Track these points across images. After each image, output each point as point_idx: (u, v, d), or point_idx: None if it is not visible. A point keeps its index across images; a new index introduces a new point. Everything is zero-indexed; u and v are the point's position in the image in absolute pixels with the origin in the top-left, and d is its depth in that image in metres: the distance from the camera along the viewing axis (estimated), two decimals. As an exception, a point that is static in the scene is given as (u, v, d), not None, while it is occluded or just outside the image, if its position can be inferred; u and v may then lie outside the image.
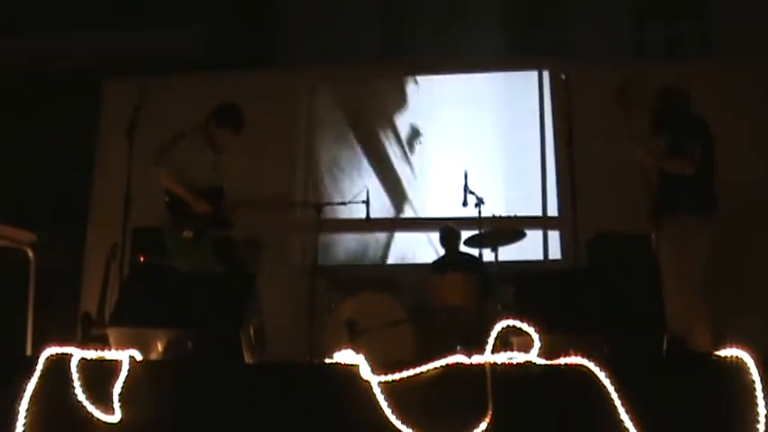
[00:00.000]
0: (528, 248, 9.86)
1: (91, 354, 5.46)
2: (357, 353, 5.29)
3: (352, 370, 5.22)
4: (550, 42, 11.96)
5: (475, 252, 9.55)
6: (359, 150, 11.02)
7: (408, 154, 11.15)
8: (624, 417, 4.97)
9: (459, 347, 7.33)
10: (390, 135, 11.26)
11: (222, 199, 8.08)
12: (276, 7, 12.62)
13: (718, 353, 5.27)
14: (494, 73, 11.55)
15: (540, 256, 10.64)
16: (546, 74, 11.21)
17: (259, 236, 8.64)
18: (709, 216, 7.33)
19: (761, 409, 4.93)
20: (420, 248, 10.46)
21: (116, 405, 5.23)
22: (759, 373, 5.03)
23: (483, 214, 9.23)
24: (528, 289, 6.20)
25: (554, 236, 10.70)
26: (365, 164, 10.91)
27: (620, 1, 11.87)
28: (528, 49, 11.90)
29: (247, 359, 6.00)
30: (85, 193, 11.34)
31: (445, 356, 5.21)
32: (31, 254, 7.32)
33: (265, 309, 7.94)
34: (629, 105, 7.60)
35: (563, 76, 7.64)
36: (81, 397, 5.27)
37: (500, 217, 9.64)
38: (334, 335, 8.40)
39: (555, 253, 10.60)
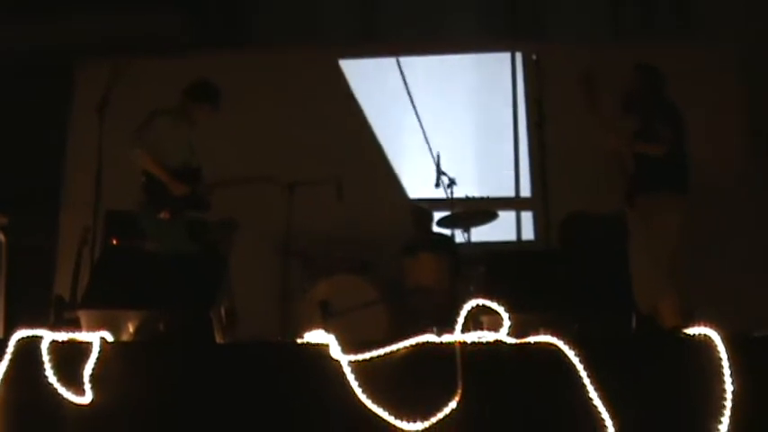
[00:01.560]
0: (501, 229, 9.89)
1: (62, 336, 5.46)
2: (328, 333, 5.31)
3: (322, 349, 5.25)
4: (525, 24, 11.96)
5: (447, 233, 9.56)
6: (334, 131, 11.00)
7: (382, 134, 11.15)
8: (593, 394, 5.01)
9: (432, 328, 7.35)
10: (366, 115, 11.26)
11: (199, 180, 8.05)
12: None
13: (686, 331, 5.31)
14: (467, 54, 11.53)
15: (514, 237, 10.66)
16: (519, 55, 11.21)
17: (233, 217, 8.61)
18: (682, 195, 7.36)
19: (727, 386, 4.99)
20: (394, 229, 10.45)
21: (87, 387, 5.23)
22: (726, 350, 5.08)
23: (456, 195, 9.24)
24: (498, 269, 6.27)
25: (527, 217, 10.73)
26: (339, 144, 10.89)
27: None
28: (502, 31, 11.90)
29: (218, 339, 6.02)
30: (59, 175, 11.28)
31: (416, 336, 5.24)
32: (2, 237, 7.30)
33: (239, 290, 7.98)
34: (596, 92, 7.62)
35: (534, 57, 7.65)
36: (52, 379, 5.26)
37: (473, 198, 9.65)
38: (307, 316, 8.39)
39: (528, 234, 10.63)
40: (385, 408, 5.02)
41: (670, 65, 9.83)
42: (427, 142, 10.68)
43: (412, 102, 11.19)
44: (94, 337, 5.42)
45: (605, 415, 4.98)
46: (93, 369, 5.29)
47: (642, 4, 11.94)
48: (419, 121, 11.08)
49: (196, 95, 8.00)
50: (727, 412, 4.95)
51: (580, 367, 5.07)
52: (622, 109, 7.65)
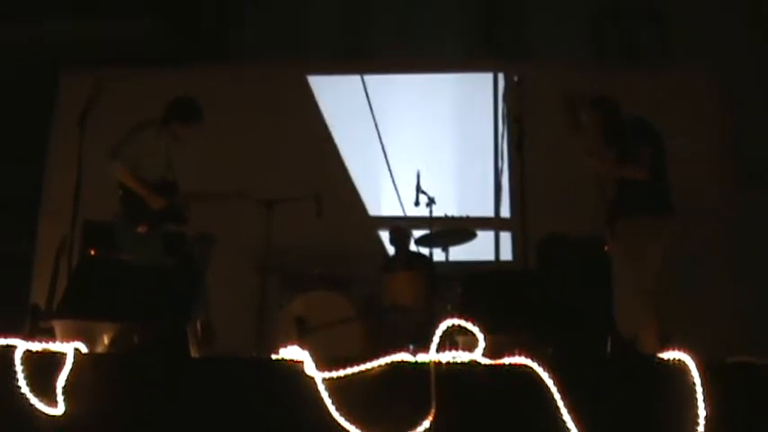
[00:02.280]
0: (480, 249, 9.90)
1: (36, 346, 5.43)
2: (304, 349, 5.31)
3: (296, 366, 5.24)
4: (507, 45, 12.00)
5: (425, 252, 9.56)
6: (314, 147, 11.00)
7: (362, 152, 11.16)
8: (567, 417, 5.01)
9: (410, 346, 7.35)
10: (346, 133, 11.27)
11: (176, 193, 8.06)
12: (235, 4, 12.60)
13: (661, 355, 5.33)
14: (450, 74, 11.56)
15: (492, 257, 10.67)
16: (501, 76, 11.23)
17: (212, 232, 8.61)
18: (664, 219, 7.37)
19: (701, 411, 5.00)
20: (373, 247, 10.46)
21: (60, 398, 5.21)
22: (700, 376, 5.09)
23: (435, 214, 9.25)
24: (474, 289, 6.26)
25: (506, 237, 10.74)
26: (319, 161, 10.90)
27: (579, 5, 11.89)
28: (486, 51, 11.94)
29: (193, 353, 6.00)
30: (39, 183, 11.26)
31: (392, 354, 5.24)
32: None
33: (217, 304, 7.98)
34: (579, 115, 7.65)
35: (516, 79, 7.67)
36: (25, 389, 5.24)
37: (452, 217, 9.66)
38: (284, 332, 8.38)
39: (507, 254, 10.64)
40: (358, 426, 5.01)
41: (651, 86, 10.00)
42: (388, 161, 10.72)
43: (384, 120, 11.21)
44: (69, 348, 5.40)
45: (578, 438, 4.99)
46: (66, 380, 5.27)
47: (624, 26, 12.00)
48: (381, 141, 11.12)
49: (179, 112, 8.03)
50: (700, 438, 4.97)
51: (554, 390, 5.07)
52: (599, 139, 7.65)
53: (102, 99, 7.98)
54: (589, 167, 7.73)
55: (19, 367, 5.29)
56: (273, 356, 5.54)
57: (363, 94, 11.42)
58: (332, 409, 5.06)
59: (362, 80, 11.39)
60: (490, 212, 10.80)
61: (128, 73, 10.87)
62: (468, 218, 9.93)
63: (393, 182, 10.86)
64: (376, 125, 11.14)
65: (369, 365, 5.18)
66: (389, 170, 10.98)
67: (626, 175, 7.38)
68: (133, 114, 8.26)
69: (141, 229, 7.72)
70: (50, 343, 5.51)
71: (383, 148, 11.09)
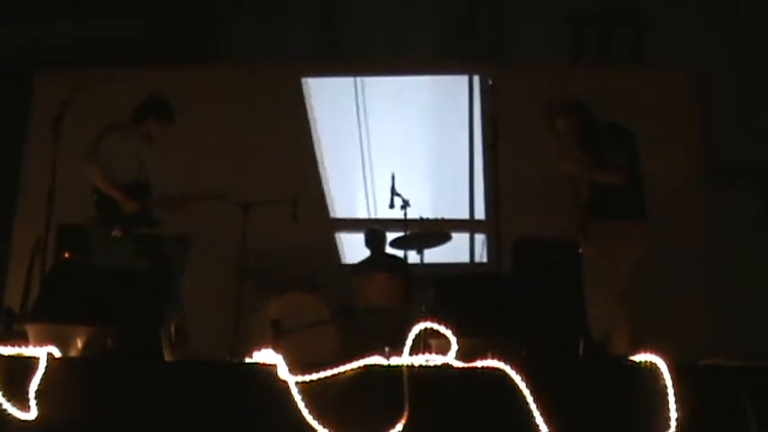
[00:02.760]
0: (455, 251, 9.92)
1: (8, 350, 5.42)
2: (278, 353, 5.31)
3: (270, 370, 5.24)
4: (483, 47, 12.03)
5: (400, 254, 9.57)
6: (289, 149, 11.01)
7: (337, 154, 11.17)
8: (539, 420, 5.03)
9: (386, 349, 7.38)
10: (321, 135, 11.27)
11: (149, 195, 8.04)
12: (215, 4, 12.59)
13: (632, 358, 5.35)
14: (425, 76, 11.57)
15: (467, 259, 10.69)
16: (477, 78, 11.25)
17: (188, 234, 8.59)
18: (637, 222, 7.39)
19: (672, 413, 5.02)
20: (348, 249, 10.48)
21: (32, 402, 5.19)
22: (672, 378, 5.12)
23: (409, 216, 9.26)
24: (448, 291, 6.25)
25: (481, 239, 10.76)
26: (295, 163, 10.90)
27: (555, 8, 11.92)
28: (462, 53, 11.97)
29: (167, 357, 5.98)
30: (15, 187, 11.23)
31: (365, 357, 5.26)
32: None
33: (192, 307, 7.95)
34: (555, 117, 7.68)
35: (490, 82, 7.68)
36: (-4, 394, 5.23)
37: (426, 219, 9.67)
38: (259, 335, 8.39)
39: (482, 256, 10.66)
40: (332, 429, 5.01)
41: (627, 89, 10.03)
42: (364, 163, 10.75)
43: (367, 122, 11.23)
44: (41, 352, 5.38)
45: (550, 440, 5.01)
46: (39, 384, 5.25)
47: (600, 28, 12.03)
48: (366, 141, 11.13)
49: (153, 110, 8.00)
50: (671, 439, 4.99)
51: (527, 392, 5.09)
52: (573, 143, 7.67)
53: (79, 101, 7.94)
54: (564, 170, 7.75)
55: (-9, 372, 5.28)
56: (247, 360, 5.55)
57: (338, 95, 11.43)
58: (305, 412, 5.07)
59: (355, 83, 11.39)
60: (465, 214, 10.83)
61: (104, 75, 10.83)
62: (442, 220, 9.94)
63: (367, 184, 10.88)
64: (360, 127, 11.16)
65: (342, 369, 5.19)
66: (364, 172, 11.00)
67: (602, 179, 7.39)
68: (110, 116, 8.24)
69: (116, 233, 7.69)
70: (23, 347, 5.49)
71: (362, 150, 11.11)
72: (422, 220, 9.54)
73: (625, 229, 7.30)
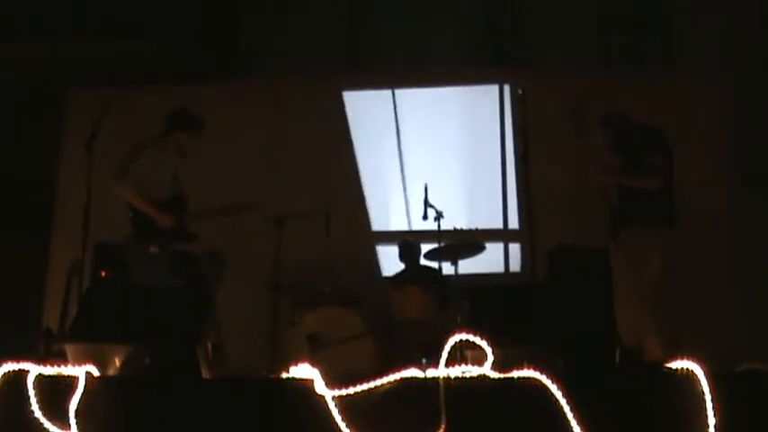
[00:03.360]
0: (489, 262, 9.90)
1: (48, 369, 5.47)
2: (315, 367, 5.33)
3: (307, 384, 5.26)
4: (512, 55, 12.05)
5: (434, 265, 9.56)
6: (322, 163, 11.03)
7: (371, 167, 11.19)
8: (576, 429, 5.02)
9: (423, 360, 7.37)
10: (354, 147, 11.29)
11: (184, 210, 8.04)
12: (242, 20, 12.65)
13: (669, 365, 5.34)
14: (456, 86, 11.57)
15: (501, 270, 10.66)
16: (507, 88, 11.24)
17: (222, 250, 8.61)
18: (666, 228, 7.35)
19: (710, 420, 5.01)
20: (382, 262, 10.49)
21: (72, 422, 5.24)
22: (708, 384, 5.11)
23: (443, 227, 9.25)
24: (483, 302, 6.28)
25: (515, 249, 10.74)
26: (328, 176, 10.93)
27: (583, 13, 11.91)
28: (490, 62, 11.99)
29: (205, 374, 6.03)
30: (50, 206, 11.30)
31: (402, 370, 5.27)
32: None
33: (228, 323, 7.98)
34: (587, 123, 7.65)
35: (520, 92, 7.68)
36: (38, 413, 5.27)
37: (461, 230, 9.65)
38: (295, 349, 8.40)
39: (516, 266, 10.63)
40: (369, 443, 5.05)
41: (657, 94, 10.00)
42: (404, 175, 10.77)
43: (399, 133, 11.24)
44: (80, 372, 5.43)
45: (588, 450, 5.01)
46: (78, 403, 5.30)
47: (629, 32, 12.01)
48: (400, 153, 11.16)
49: (181, 122, 8.00)
50: (710, 446, 4.99)
51: (563, 402, 5.09)
52: (612, 147, 7.65)
53: (111, 119, 7.98)
54: (599, 180, 7.73)
55: (32, 391, 5.33)
56: (284, 375, 5.57)
57: (371, 107, 11.46)
58: (343, 426, 5.09)
59: (393, 95, 11.43)
60: (499, 224, 10.81)
61: (135, 93, 10.90)
62: (476, 230, 9.92)
63: (405, 196, 10.89)
64: (398, 138, 11.19)
65: (378, 382, 5.21)
66: (403, 184, 11.02)
67: (639, 185, 7.33)
68: (141, 134, 8.27)
69: (153, 250, 7.70)
70: (62, 366, 5.54)
71: (402, 162, 11.13)
72: (455, 230, 9.52)
73: (652, 234, 7.25)
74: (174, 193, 7.98)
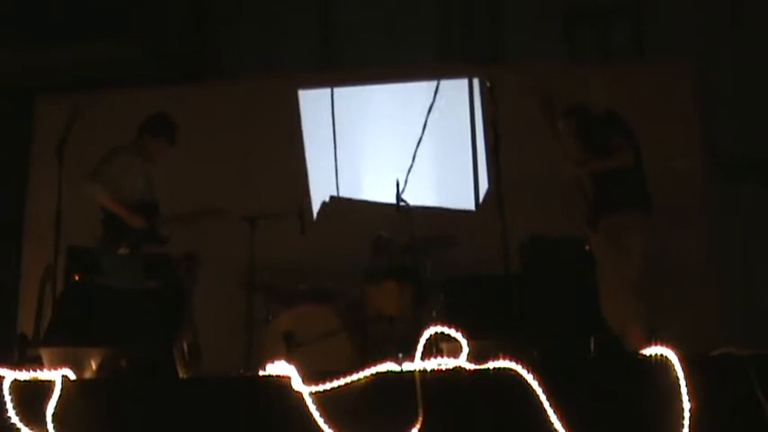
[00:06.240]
0: (462, 254, 9.88)
1: (24, 375, 5.45)
2: (291, 364, 5.34)
3: (284, 381, 5.26)
4: (481, 48, 12.05)
5: (408, 259, 9.56)
6: (294, 162, 11.04)
7: (342, 163, 11.19)
8: (553, 418, 5.04)
9: (400, 355, 7.39)
10: (325, 145, 11.29)
11: (156, 213, 8.06)
12: (212, 22, 12.62)
13: (644, 352, 5.37)
14: (425, 81, 11.57)
15: (474, 262, 10.67)
16: (476, 81, 11.24)
17: (197, 251, 8.61)
18: (646, 212, 7.41)
19: (686, 405, 5.03)
20: (356, 257, 10.48)
21: (49, 426, 5.23)
22: (683, 369, 5.13)
23: (415, 221, 9.26)
24: (456, 295, 6.29)
25: (488, 241, 10.72)
26: (301, 175, 10.93)
27: (553, 4, 11.93)
28: (459, 56, 11.99)
29: (181, 375, 6.02)
30: (21, 211, 11.26)
31: (378, 365, 5.28)
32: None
33: (203, 323, 7.99)
34: (556, 117, 7.71)
35: (488, 84, 7.69)
36: (15, 419, 5.26)
37: (433, 223, 9.67)
38: (271, 347, 8.40)
39: (488, 257, 10.60)
40: (347, 438, 5.05)
41: (626, 84, 10.05)
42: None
43: (358, 130, 11.27)
44: (57, 376, 5.42)
45: (565, 439, 5.03)
46: (55, 408, 5.29)
47: (597, 24, 12.03)
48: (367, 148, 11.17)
49: (152, 129, 8.02)
50: (686, 431, 5.00)
51: (539, 391, 5.11)
52: (574, 135, 7.70)
53: (80, 124, 7.96)
54: (571, 173, 7.77)
55: (8, 397, 5.31)
56: (261, 373, 5.58)
57: (337, 104, 11.46)
58: (320, 422, 5.10)
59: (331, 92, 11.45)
60: (471, 216, 10.81)
61: (103, 97, 10.87)
62: (448, 223, 9.94)
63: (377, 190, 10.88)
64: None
65: (355, 377, 5.21)
66: (375, 179, 11.01)
67: (612, 165, 7.39)
68: (111, 138, 8.26)
69: (123, 250, 7.70)
70: (38, 371, 5.52)
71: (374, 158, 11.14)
72: (428, 224, 9.53)
73: (633, 219, 7.30)
74: (147, 196, 8.00)
